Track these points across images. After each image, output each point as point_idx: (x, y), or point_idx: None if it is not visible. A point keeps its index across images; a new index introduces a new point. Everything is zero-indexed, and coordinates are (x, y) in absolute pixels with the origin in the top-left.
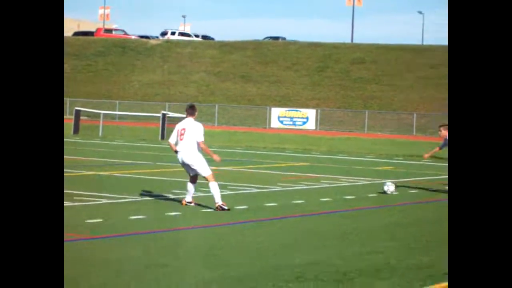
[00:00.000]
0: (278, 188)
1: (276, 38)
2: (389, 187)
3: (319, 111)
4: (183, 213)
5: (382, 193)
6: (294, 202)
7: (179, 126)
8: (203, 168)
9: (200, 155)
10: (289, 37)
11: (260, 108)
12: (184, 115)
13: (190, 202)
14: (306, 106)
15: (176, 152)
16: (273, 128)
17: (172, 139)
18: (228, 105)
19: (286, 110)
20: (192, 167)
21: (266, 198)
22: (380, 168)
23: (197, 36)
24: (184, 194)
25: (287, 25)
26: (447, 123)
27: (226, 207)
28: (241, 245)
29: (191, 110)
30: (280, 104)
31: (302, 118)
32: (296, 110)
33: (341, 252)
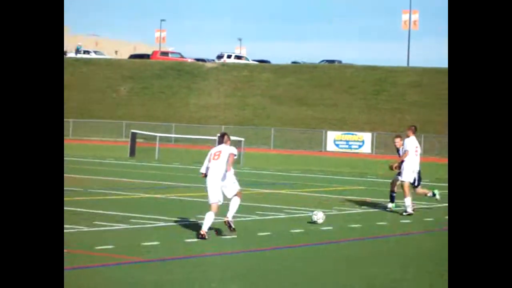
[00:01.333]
0: (334, 212)
1: (332, 61)
2: (318, 215)
3: (375, 134)
4: (239, 236)
5: (311, 223)
6: (350, 226)
7: (212, 151)
8: (234, 186)
9: (231, 174)
10: (345, 60)
11: (316, 131)
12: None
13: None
14: (362, 129)
15: (205, 176)
16: (328, 151)
17: (203, 169)
18: (284, 128)
19: (342, 134)
20: (223, 187)
21: (323, 222)
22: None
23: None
24: (241, 217)
25: (343, 48)
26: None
27: (233, 226)
28: (299, 269)
29: (222, 139)
30: (336, 128)
31: (358, 141)
32: (352, 134)
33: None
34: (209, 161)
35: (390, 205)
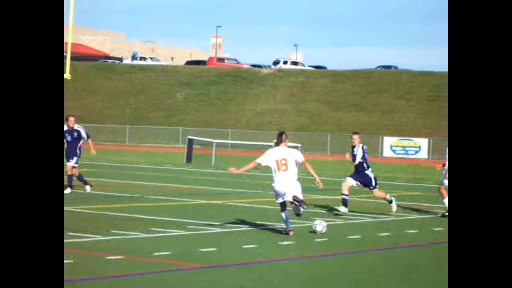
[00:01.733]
0: (391, 218)
1: (388, 67)
2: (318, 226)
3: (431, 140)
4: (296, 242)
5: (312, 232)
6: (407, 231)
7: (277, 156)
8: (297, 190)
9: (299, 184)
10: (401, 66)
11: (373, 137)
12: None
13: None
14: (419, 135)
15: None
16: (385, 157)
17: (262, 161)
18: (340, 134)
19: (398, 139)
20: (291, 191)
21: (379, 227)
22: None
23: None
24: (297, 223)
25: (399, 54)
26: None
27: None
28: (346, 275)
29: (281, 138)
30: (393, 133)
31: (415, 147)
32: (409, 139)
33: None
34: (276, 170)
35: (343, 209)
